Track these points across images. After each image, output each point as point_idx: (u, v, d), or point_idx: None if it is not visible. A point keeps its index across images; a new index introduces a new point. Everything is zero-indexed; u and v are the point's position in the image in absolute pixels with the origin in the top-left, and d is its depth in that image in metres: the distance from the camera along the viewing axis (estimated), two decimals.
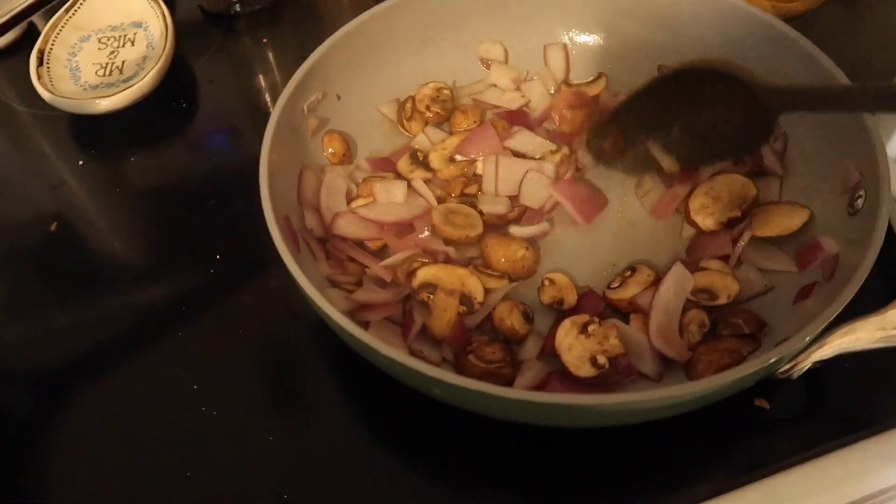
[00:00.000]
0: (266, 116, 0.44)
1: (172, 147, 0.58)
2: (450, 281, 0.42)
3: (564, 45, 0.55)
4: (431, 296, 0.42)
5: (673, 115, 0.42)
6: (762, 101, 0.38)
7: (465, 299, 0.42)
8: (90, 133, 0.58)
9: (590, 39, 0.55)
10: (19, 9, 0.49)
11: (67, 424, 0.42)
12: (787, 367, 0.35)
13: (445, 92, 0.53)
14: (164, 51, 0.58)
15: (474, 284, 0.42)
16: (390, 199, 0.47)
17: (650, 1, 0.52)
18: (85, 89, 0.58)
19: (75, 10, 0.62)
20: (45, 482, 0.40)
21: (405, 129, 0.52)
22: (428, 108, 0.52)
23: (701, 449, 0.39)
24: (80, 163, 0.56)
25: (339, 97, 0.51)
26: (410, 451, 0.40)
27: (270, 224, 0.38)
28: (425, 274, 0.42)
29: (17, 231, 0.52)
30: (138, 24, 0.62)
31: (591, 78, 0.54)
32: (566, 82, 0.54)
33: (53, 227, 0.52)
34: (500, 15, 0.54)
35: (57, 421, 0.42)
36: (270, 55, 0.65)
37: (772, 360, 0.32)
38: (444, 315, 0.41)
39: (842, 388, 0.41)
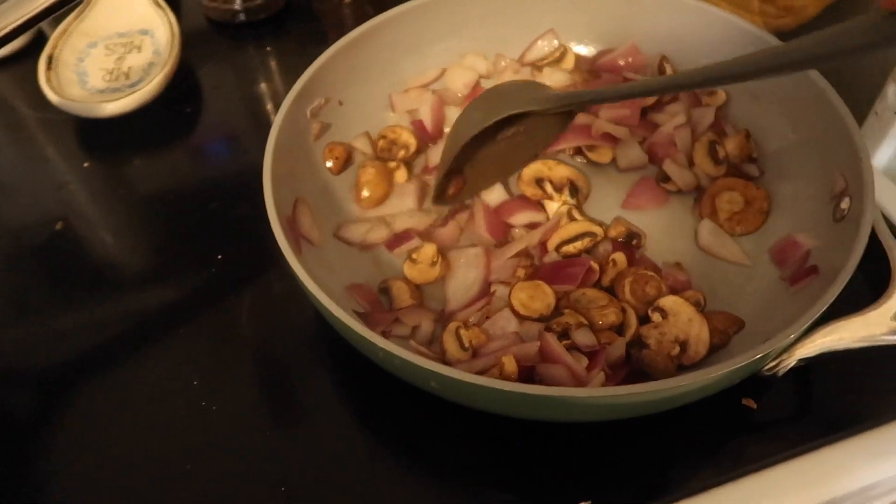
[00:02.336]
0: (269, 123, 0.45)
1: (176, 151, 0.60)
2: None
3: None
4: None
5: (493, 145, 0.47)
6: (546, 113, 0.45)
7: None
8: (96, 136, 0.59)
9: (584, 51, 0.57)
10: (30, 15, 0.50)
11: (70, 423, 0.43)
12: (773, 364, 0.36)
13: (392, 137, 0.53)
14: (170, 57, 0.60)
15: None
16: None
17: (645, 15, 0.54)
18: (92, 93, 0.59)
19: (84, 17, 0.64)
20: (46, 481, 0.41)
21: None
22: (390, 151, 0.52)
23: (691, 446, 0.40)
24: (86, 165, 0.58)
25: (341, 103, 0.52)
26: (409, 449, 0.41)
27: (273, 221, 0.39)
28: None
29: (23, 230, 0.53)
30: (145, 32, 0.64)
31: (557, 55, 0.56)
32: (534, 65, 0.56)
33: (59, 226, 0.53)
34: (496, 27, 0.56)
35: (59, 420, 0.43)
36: (273, 63, 0.66)
37: (757, 356, 0.34)
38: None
39: (827, 388, 0.42)
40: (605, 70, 0.55)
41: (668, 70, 0.54)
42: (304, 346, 0.46)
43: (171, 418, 0.42)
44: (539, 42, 0.56)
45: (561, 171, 0.49)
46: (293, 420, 0.43)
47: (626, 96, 0.47)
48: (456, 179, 0.48)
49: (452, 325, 0.41)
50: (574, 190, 0.49)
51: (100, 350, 0.46)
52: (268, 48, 0.67)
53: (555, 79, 0.54)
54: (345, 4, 0.71)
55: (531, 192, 0.49)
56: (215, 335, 0.47)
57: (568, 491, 0.38)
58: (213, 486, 0.40)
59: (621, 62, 0.54)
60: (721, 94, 0.52)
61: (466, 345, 0.40)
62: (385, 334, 0.42)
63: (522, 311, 0.42)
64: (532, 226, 0.48)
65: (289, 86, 0.47)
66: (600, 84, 0.54)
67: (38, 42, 0.66)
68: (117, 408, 0.43)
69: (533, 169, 0.50)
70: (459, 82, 0.56)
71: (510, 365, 0.38)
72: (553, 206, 0.49)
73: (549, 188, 0.49)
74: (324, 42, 0.50)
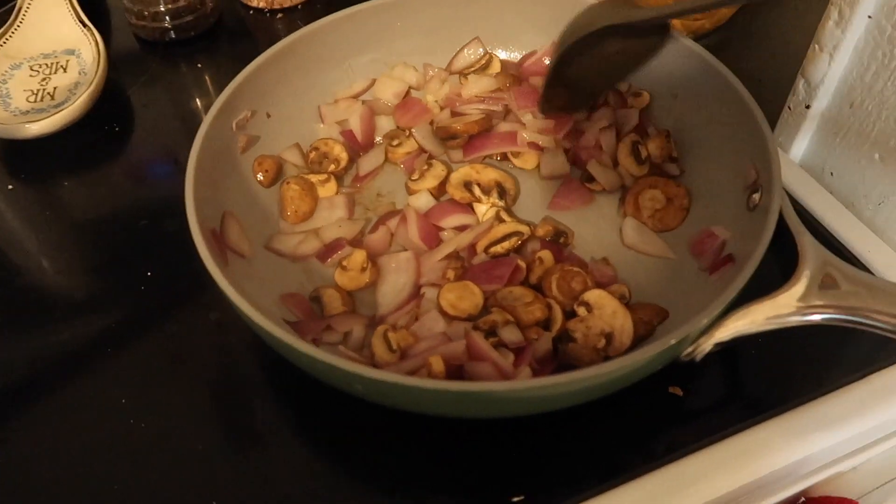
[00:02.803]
0: None
1: (105, 171, 0.59)
2: None
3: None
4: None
5: (591, 59, 0.48)
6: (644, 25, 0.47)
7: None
8: (21, 159, 0.58)
9: (509, 56, 0.58)
10: None
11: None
12: (691, 349, 0.37)
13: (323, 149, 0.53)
14: (95, 76, 0.59)
15: None
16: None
17: (566, 20, 0.55)
18: (15, 115, 0.58)
19: (6, 39, 0.63)
20: None
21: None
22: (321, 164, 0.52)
23: (623, 436, 0.41)
24: (10, 187, 0.56)
25: (269, 115, 0.52)
26: (346, 458, 0.41)
27: (195, 233, 0.39)
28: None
29: None
30: (71, 52, 0.63)
31: (483, 62, 0.57)
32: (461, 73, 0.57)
33: None
34: (422, 37, 0.57)
35: None
36: (206, 79, 0.66)
37: (673, 342, 0.34)
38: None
39: (749, 373, 0.43)
40: (530, 73, 0.56)
41: None
42: (237, 361, 0.45)
43: (103, 433, 0.41)
44: (465, 51, 0.57)
45: (489, 175, 0.50)
46: (227, 435, 0.42)
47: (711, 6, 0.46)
48: (560, 91, 0.49)
49: (380, 329, 0.41)
50: (502, 192, 0.49)
51: (29, 375, 0.45)
52: (199, 65, 0.66)
53: (481, 85, 0.55)
54: (276, 20, 0.71)
55: (460, 195, 0.50)
56: (146, 352, 0.46)
57: (502, 487, 0.39)
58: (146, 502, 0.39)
59: (546, 61, 0.56)
60: (645, 96, 0.54)
61: (395, 347, 0.40)
62: (316, 342, 0.42)
63: (451, 312, 0.42)
64: (462, 228, 0.48)
65: None
66: (525, 88, 0.55)
67: None
68: (49, 431, 0.42)
69: (461, 173, 0.50)
70: (389, 92, 0.56)
71: (437, 365, 0.38)
72: (482, 209, 0.49)
73: (477, 191, 0.49)
74: (255, 56, 0.50)
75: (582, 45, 0.46)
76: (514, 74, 0.56)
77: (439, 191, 0.51)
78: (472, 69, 0.57)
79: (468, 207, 0.50)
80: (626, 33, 0.46)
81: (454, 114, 0.55)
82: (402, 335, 0.41)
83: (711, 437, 0.40)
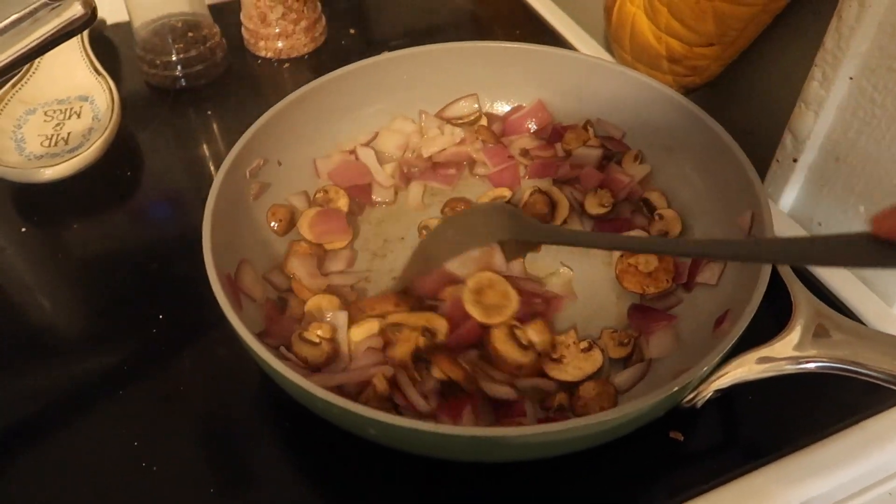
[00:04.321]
0: (209, 184, 0.47)
1: (116, 214, 0.60)
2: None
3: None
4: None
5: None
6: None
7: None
8: (34, 202, 0.60)
9: (503, 108, 0.61)
10: None
11: (7, 488, 0.42)
12: (692, 396, 0.38)
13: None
14: (109, 122, 0.61)
15: None
16: None
17: (566, 78, 0.58)
18: (30, 159, 0.59)
19: (22, 85, 0.65)
20: None
21: None
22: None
23: (625, 480, 0.42)
24: (23, 230, 0.57)
25: (280, 163, 0.54)
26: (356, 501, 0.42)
27: (212, 277, 0.40)
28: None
29: None
30: (84, 98, 0.65)
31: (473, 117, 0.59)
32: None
33: None
34: (426, 90, 0.59)
35: None
36: (215, 126, 0.68)
37: (675, 389, 0.36)
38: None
39: (747, 418, 0.44)
40: (509, 132, 0.60)
41: (591, 132, 0.58)
42: (247, 405, 0.46)
43: (112, 480, 0.42)
44: (462, 102, 0.60)
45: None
46: (236, 478, 0.43)
47: (595, 244, 0.49)
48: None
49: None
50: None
51: (38, 415, 0.46)
52: (208, 112, 0.69)
53: (456, 133, 0.59)
54: (284, 69, 0.74)
55: None
56: (156, 395, 0.46)
57: None
58: None
59: (527, 122, 0.59)
60: (647, 167, 0.56)
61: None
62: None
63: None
64: None
65: (229, 148, 0.49)
66: (497, 149, 0.58)
67: None
68: (57, 471, 0.43)
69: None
70: (391, 145, 0.59)
71: (381, 385, 0.40)
72: None
73: None
74: (263, 106, 0.52)
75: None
76: (493, 132, 0.59)
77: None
78: (462, 121, 0.60)
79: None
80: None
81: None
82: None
83: (711, 481, 0.41)
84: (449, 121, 0.60)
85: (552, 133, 0.59)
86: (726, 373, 0.38)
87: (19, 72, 0.65)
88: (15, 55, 0.45)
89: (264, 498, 0.41)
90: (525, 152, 0.58)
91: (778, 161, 0.58)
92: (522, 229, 0.45)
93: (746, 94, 0.64)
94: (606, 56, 0.74)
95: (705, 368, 0.37)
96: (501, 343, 0.42)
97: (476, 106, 0.60)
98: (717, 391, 0.38)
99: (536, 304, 0.47)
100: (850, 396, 0.45)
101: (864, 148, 0.51)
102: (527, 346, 0.43)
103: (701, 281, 0.48)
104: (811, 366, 0.38)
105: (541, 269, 0.51)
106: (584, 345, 0.44)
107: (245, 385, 0.47)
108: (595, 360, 0.44)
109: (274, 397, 0.45)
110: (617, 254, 0.50)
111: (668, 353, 0.45)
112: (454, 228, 0.48)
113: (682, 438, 0.43)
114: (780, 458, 0.42)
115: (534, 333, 0.44)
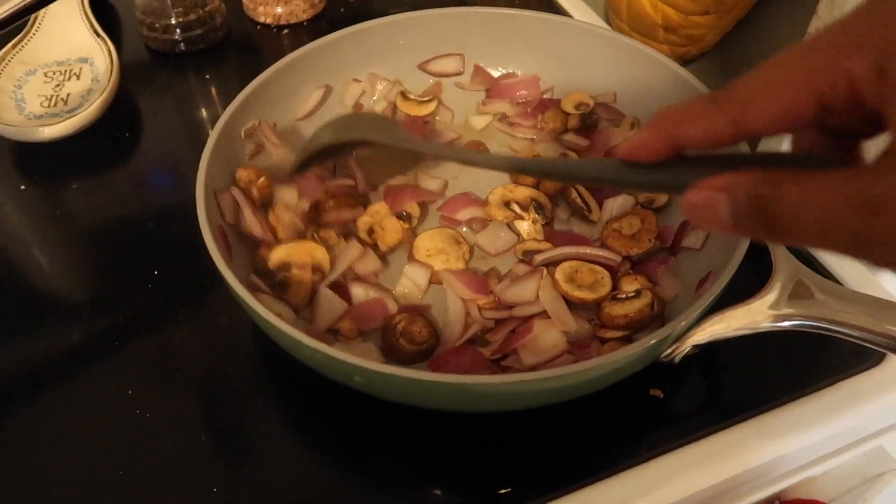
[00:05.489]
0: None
1: (114, 174, 0.61)
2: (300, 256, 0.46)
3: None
4: (288, 275, 0.46)
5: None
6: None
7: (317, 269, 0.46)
8: (33, 161, 0.60)
9: (498, 74, 0.61)
10: None
11: (6, 446, 0.43)
12: (669, 351, 0.39)
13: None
14: (108, 84, 0.62)
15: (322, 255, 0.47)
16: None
17: (560, 44, 0.59)
18: (29, 119, 0.60)
19: (22, 46, 0.65)
20: None
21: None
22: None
23: (606, 434, 0.43)
24: (22, 188, 0.58)
25: (275, 125, 0.54)
26: (343, 454, 0.43)
27: (203, 227, 0.41)
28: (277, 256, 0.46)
29: None
30: (84, 60, 0.66)
31: (426, 98, 0.59)
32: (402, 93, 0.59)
33: None
34: (420, 55, 0.60)
35: None
36: (213, 90, 0.68)
37: (652, 342, 0.37)
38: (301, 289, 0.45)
39: (725, 377, 0.45)
40: (495, 95, 0.60)
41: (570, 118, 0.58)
42: (240, 357, 0.47)
43: (106, 425, 0.43)
44: (448, 59, 0.61)
45: (522, 192, 0.52)
46: (227, 426, 0.44)
47: (477, 163, 0.45)
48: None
49: None
50: (539, 207, 0.52)
51: (37, 366, 0.47)
52: (207, 76, 0.69)
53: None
54: (283, 35, 0.74)
55: (502, 214, 0.51)
56: (151, 347, 0.48)
57: (490, 480, 0.41)
58: (147, 490, 0.41)
59: (518, 91, 0.60)
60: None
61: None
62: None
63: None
64: (473, 221, 0.52)
65: None
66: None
67: None
68: (58, 420, 0.44)
69: (497, 193, 0.52)
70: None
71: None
72: (524, 226, 0.51)
73: (517, 209, 0.52)
74: (261, 71, 0.53)
75: (339, 146, 0.45)
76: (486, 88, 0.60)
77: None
78: (446, 76, 0.61)
79: (479, 200, 0.53)
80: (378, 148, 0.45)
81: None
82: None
83: (690, 436, 0.42)
84: (432, 75, 0.61)
85: (537, 105, 0.59)
86: (704, 329, 0.39)
87: (20, 32, 0.65)
88: (13, 9, 0.46)
89: (254, 447, 0.43)
90: (503, 117, 0.58)
91: None
92: (402, 139, 0.44)
93: (741, 64, 0.65)
94: (603, 25, 0.74)
95: (683, 323, 0.38)
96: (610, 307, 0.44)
97: (461, 67, 0.61)
98: (694, 346, 0.39)
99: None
100: (829, 358, 0.46)
101: None
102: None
103: (686, 245, 0.49)
104: (786, 324, 0.39)
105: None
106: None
107: (238, 338, 0.48)
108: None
109: (266, 350, 0.46)
110: (603, 219, 0.51)
111: (677, 290, 0.46)
112: (341, 123, 0.47)
113: (661, 396, 0.44)
114: (759, 414, 0.43)
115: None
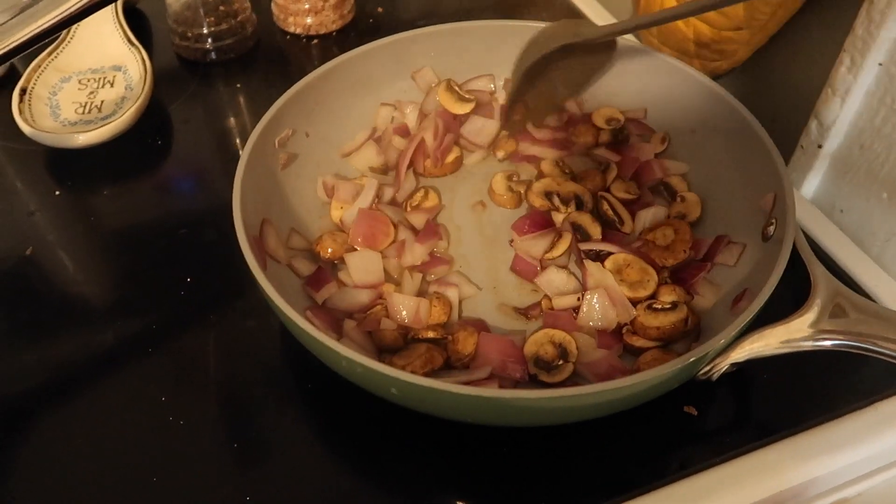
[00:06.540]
0: (236, 155, 0.48)
1: (146, 181, 0.62)
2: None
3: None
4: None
5: (549, 77, 0.56)
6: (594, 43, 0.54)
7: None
8: (67, 167, 0.61)
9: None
10: (2, 52, 0.52)
11: (38, 448, 0.43)
12: (707, 368, 0.39)
13: None
14: (142, 92, 0.62)
15: None
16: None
17: None
18: (64, 125, 0.61)
19: (57, 54, 0.66)
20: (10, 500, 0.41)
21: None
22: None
23: (639, 451, 0.42)
24: (57, 193, 0.59)
25: (307, 134, 0.55)
26: (373, 465, 0.43)
27: (241, 237, 0.42)
28: None
29: None
30: (118, 68, 0.66)
31: (468, 97, 0.60)
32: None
33: (29, 251, 0.54)
34: (450, 68, 0.60)
35: (26, 445, 0.43)
36: (242, 99, 0.69)
37: (691, 360, 0.37)
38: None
39: (761, 396, 0.45)
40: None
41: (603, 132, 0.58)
42: (271, 366, 0.47)
43: (139, 432, 0.43)
44: (479, 80, 0.61)
45: (568, 187, 0.54)
46: (259, 435, 0.44)
47: (661, 21, 0.52)
48: (519, 108, 0.57)
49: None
50: (580, 203, 0.52)
51: (71, 373, 0.47)
52: (237, 85, 0.70)
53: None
54: (312, 45, 0.75)
55: (539, 203, 0.53)
56: (184, 354, 0.48)
57: (521, 496, 0.41)
58: (179, 498, 0.41)
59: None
60: (683, 165, 0.56)
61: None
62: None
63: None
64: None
65: (256, 120, 0.50)
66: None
67: (11, 77, 0.68)
68: (91, 425, 0.44)
69: (543, 183, 0.54)
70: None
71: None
72: (559, 218, 0.52)
73: (556, 201, 0.53)
74: (291, 81, 0.53)
75: (540, 65, 0.51)
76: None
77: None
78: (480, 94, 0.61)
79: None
80: (578, 51, 0.53)
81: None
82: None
83: (723, 455, 0.42)
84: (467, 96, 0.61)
85: (568, 119, 0.59)
86: (743, 347, 0.38)
87: (55, 40, 0.66)
88: (52, 21, 0.46)
89: (284, 454, 0.43)
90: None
91: (802, 147, 0.58)
92: (591, 31, 0.52)
93: (773, 79, 0.64)
94: (633, 39, 0.74)
95: (722, 341, 0.38)
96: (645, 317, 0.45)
97: (492, 85, 0.61)
98: (732, 365, 0.39)
99: None
100: (865, 378, 0.45)
101: (889, 135, 0.51)
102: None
103: (720, 262, 0.48)
104: (827, 343, 0.38)
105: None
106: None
107: (270, 347, 0.48)
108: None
109: (298, 359, 0.46)
110: (637, 230, 0.51)
111: (714, 301, 0.46)
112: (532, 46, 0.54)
113: (696, 413, 0.44)
114: (793, 434, 0.43)
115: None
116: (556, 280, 0.48)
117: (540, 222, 0.51)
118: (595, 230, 0.50)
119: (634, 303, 0.46)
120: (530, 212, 0.53)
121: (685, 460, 0.42)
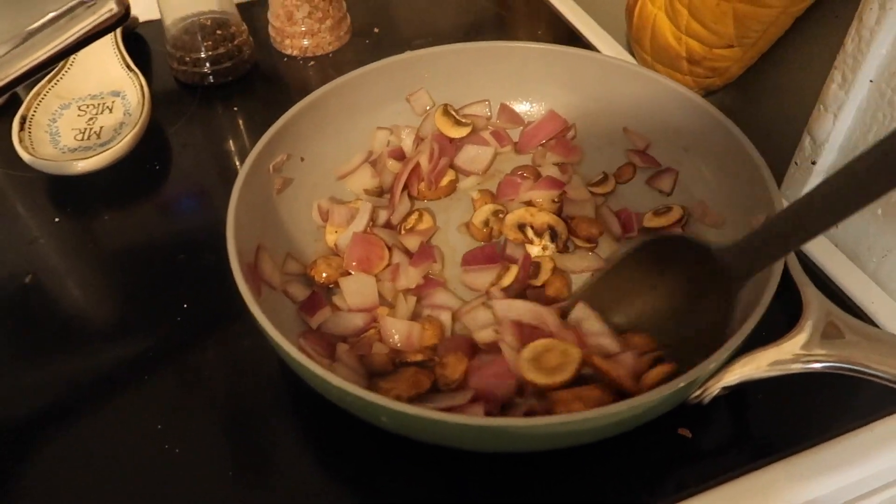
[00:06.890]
0: (235, 178, 0.48)
1: (145, 206, 0.62)
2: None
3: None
4: None
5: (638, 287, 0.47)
6: (718, 262, 0.43)
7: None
8: (67, 193, 0.62)
9: (525, 107, 0.62)
10: (4, 82, 0.53)
11: (35, 471, 0.44)
12: (698, 392, 0.39)
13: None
14: (140, 117, 0.63)
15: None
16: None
17: (589, 76, 0.59)
18: (63, 152, 0.62)
19: (57, 80, 0.67)
20: None
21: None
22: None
23: (633, 475, 0.42)
24: (56, 220, 0.60)
25: (302, 159, 0.55)
26: (369, 491, 0.43)
27: (234, 264, 0.42)
28: None
29: None
30: (116, 94, 0.67)
31: (464, 121, 0.60)
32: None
33: (28, 279, 0.55)
34: (447, 89, 0.61)
35: (25, 469, 0.44)
36: (240, 122, 0.70)
37: (681, 385, 0.37)
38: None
39: (756, 417, 0.45)
40: (523, 148, 0.61)
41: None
42: (267, 393, 0.47)
43: (136, 460, 0.44)
44: (475, 106, 0.62)
45: (542, 218, 0.53)
46: (256, 462, 0.44)
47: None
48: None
49: None
50: (553, 235, 0.52)
51: (68, 398, 0.48)
52: (235, 108, 0.70)
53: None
54: (309, 67, 0.76)
55: (513, 235, 0.53)
56: (180, 381, 0.48)
57: None
58: None
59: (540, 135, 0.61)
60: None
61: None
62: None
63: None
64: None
65: (254, 142, 0.50)
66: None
67: (12, 104, 0.69)
68: (85, 451, 0.44)
69: (516, 215, 0.54)
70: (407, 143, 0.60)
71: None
72: (534, 250, 0.52)
73: (530, 233, 0.52)
74: (289, 103, 0.54)
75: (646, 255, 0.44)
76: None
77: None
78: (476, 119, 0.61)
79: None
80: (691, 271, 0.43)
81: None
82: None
83: (719, 477, 0.42)
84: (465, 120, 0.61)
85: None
86: (734, 370, 0.38)
87: (55, 68, 0.67)
88: (53, 51, 0.47)
89: (282, 482, 0.43)
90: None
91: (796, 164, 0.58)
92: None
93: (765, 96, 0.64)
94: (627, 57, 0.74)
95: (712, 365, 0.38)
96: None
97: (487, 111, 0.61)
98: (724, 388, 0.39)
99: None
100: (861, 398, 0.45)
101: None
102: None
103: None
104: (818, 365, 0.38)
105: None
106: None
107: (266, 374, 0.48)
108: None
109: (294, 386, 0.46)
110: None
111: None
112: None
113: (690, 435, 0.44)
114: (789, 456, 0.43)
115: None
116: (479, 317, 0.48)
117: (489, 255, 0.51)
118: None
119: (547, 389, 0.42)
120: (481, 245, 0.53)
121: (680, 482, 0.42)
